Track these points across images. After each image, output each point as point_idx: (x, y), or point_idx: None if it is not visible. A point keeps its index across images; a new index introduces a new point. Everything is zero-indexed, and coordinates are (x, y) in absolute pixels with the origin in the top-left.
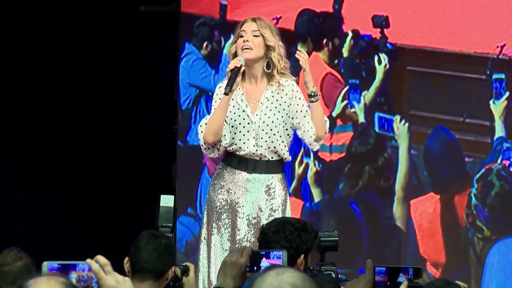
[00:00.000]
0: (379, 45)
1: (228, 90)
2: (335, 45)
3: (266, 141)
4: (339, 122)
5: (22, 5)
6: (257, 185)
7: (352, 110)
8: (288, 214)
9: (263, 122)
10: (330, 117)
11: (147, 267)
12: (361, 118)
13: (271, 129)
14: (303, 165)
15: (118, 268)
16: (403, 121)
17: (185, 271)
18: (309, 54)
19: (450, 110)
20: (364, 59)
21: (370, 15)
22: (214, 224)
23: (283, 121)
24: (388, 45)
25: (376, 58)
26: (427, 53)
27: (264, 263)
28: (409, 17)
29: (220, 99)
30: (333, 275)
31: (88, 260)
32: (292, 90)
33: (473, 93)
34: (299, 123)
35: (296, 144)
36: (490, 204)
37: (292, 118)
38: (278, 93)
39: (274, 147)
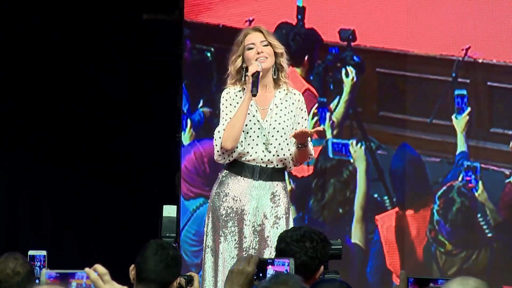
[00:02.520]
0: (346, 58)
1: (256, 92)
2: (310, 60)
3: (275, 147)
4: (314, 136)
5: (26, 17)
6: (263, 192)
7: (321, 127)
8: (292, 222)
9: (273, 128)
10: None
11: (153, 277)
12: (328, 135)
13: (281, 136)
14: None
15: (121, 273)
16: (359, 144)
17: (190, 281)
18: None
19: (417, 111)
20: (332, 73)
21: (334, 20)
22: (220, 232)
23: (290, 128)
24: (355, 58)
25: (343, 71)
26: (394, 55)
27: (270, 270)
28: (378, 18)
29: (230, 104)
30: None
31: (87, 269)
32: (299, 101)
33: (439, 94)
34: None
35: None
36: (452, 219)
37: (293, 128)
38: (286, 100)
39: (284, 154)
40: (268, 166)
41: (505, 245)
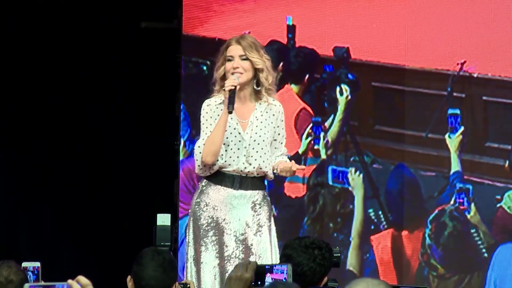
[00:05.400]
0: (341, 76)
1: (232, 109)
2: (309, 79)
3: (256, 160)
4: (310, 154)
5: (24, 23)
6: (243, 201)
7: (316, 147)
8: (274, 229)
9: (254, 140)
10: (296, 154)
11: (153, 284)
12: (323, 155)
13: (261, 148)
14: None
15: (119, 284)
16: (357, 172)
17: None
18: (279, 84)
19: (412, 126)
20: (326, 91)
21: (328, 37)
22: (201, 242)
23: (271, 140)
24: (349, 75)
25: (337, 89)
26: (390, 69)
27: (268, 278)
28: (374, 32)
29: (211, 117)
30: None
31: (69, 281)
32: (279, 112)
33: (435, 109)
34: (274, 146)
35: None
36: (444, 243)
37: (274, 139)
38: (267, 112)
39: (266, 167)
40: (248, 176)
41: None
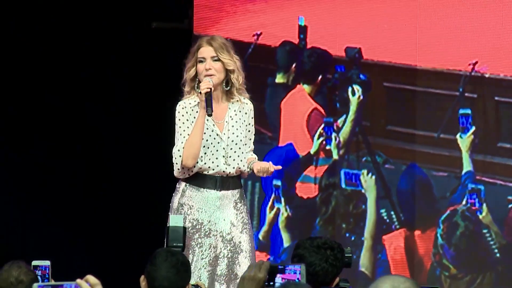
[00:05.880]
0: (353, 77)
1: (211, 112)
2: (322, 80)
3: (234, 160)
4: (321, 155)
5: (33, 24)
6: (226, 202)
7: (328, 147)
8: (251, 226)
9: (232, 141)
10: (308, 154)
11: (166, 284)
12: (335, 155)
13: (239, 148)
14: (274, 210)
15: (131, 284)
16: (370, 174)
17: None
18: (291, 84)
19: (424, 126)
20: (338, 91)
21: (340, 38)
22: (188, 245)
23: (245, 138)
24: (361, 76)
25: (349, 89)
26: (402, 69)
27: (278, 279)
28: (386, 32)
29: (187, 120)
30: None
31: (78, 280)
32: (250, 109)
33: (447, 109)
34: (243, 143)
35: (269, 189)
36: (456, 243)
37: (245, 136)
38: (240, 111)
39: (243, 165)
40: (228, 176)
41: (510, 268)
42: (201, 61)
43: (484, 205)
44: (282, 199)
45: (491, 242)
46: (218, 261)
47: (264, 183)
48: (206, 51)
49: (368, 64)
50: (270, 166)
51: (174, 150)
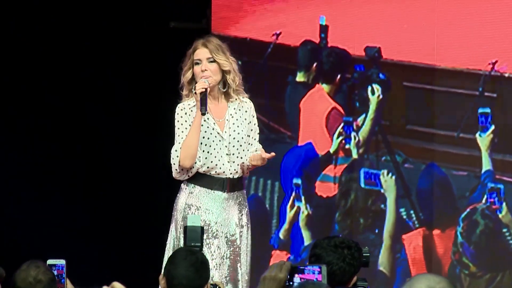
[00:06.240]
0: (372, 76)
1: (204, 110)
2: (341, 79)
3: (237, 157)
4: (341, 154)
5: (50, 23)
6: (231, 203)
7: (347, 146)
8: (250, 230)
9: (233, 138)
10: (328, 153)
11: (185, 283)
12: (354, 154)
13: (240, 145)
14: (295, 208)
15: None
16: (390, 174)
17: None
18: (311, 83)
19: (444, 125)
20: (358, 90)
21: (360, 37)
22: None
23: (247, 136)
24: (381, 75)
25: (369, 88)
26: (422, 69)
27: (296, 279)
28: (405, 32)
29: (185, 121)
30: None
31: (105, 287)
32: (250, 108)
33: (466, 109)
34: (248, 142)
35: (289, 188)
36: (476, 241)
37: (248, 135)
38: (239, 109)
39: (243, 163)
40: (234, 177)
41: None
42: (197, 63)
43: (504, 204)
44: (302, 198)
45: (511, 242)
46: (223, 263)
47: (283, 182)
48: (201, 53)
49: (387, 63)
50: (262, 153)
51: (172, 151)
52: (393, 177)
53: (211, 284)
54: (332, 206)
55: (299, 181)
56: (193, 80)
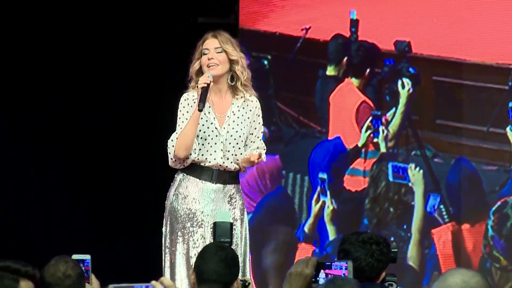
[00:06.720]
0: (402, 70)
1: (202, 107)
2: (370, 73)
3: (232, 154)
4: (371, 147)
5: (78, 20)
6: (220, 195)
7: (375, 140)
8: (246, 223)
9: (231, 135)
10: (356, 147)
11: (215, 278)
12: (382, 148)
13: (237, 143)
14: (320, 203)
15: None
16: (418, 168)
17: (247, 285)
18: (341, 77)
19: (473, 120)
20: (388, 84)
21: (389, 31)
22: (179, 233)
23: (246, 135)
24: (410, 69)
25: (399, 82)
26: (451, 63)
27: (322, 274)
28: (435, 26)
29: (187, 112)
30: (394, 286)
31: (153, 282)
32: (256, 107)
33: (496, 103)
34: (250, 140)
35: (316, 182)
36: (507, 235)
37: (251, 133)
38: (243, 107)
39: (238, 160)
40: (226, 170)
41: None
42: (204, 53)
43: None
44: (328, 192)
45: None
46: None
47: (312, 176)
48: (210, 43)
49: (416, 57)
50: (251, 156)
51: (169, 140)
52: (421, 171)
53: (241, 280)
54: (360, 200)
55: (324, 176)
56: (200, 72)
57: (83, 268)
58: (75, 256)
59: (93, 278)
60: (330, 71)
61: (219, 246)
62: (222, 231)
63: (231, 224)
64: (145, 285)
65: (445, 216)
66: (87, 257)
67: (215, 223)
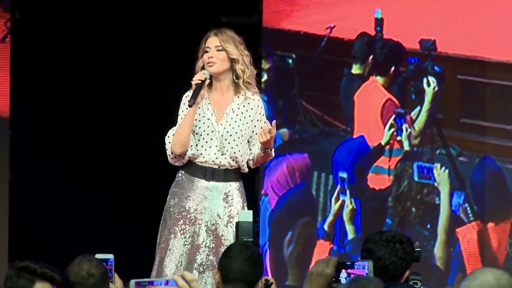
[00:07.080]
0: (427, 68)
1: (192, 103)
2: (395, 71)
3: (228, 151)
4: (396, 145)
5: (99, 19)
6: (215, 193)
7: (398, 138)
8: None
9: (227, 132)
10: (379, 145)
11: (240, 277)
12: (406, 146)
13: (234, 140)
14: (339, 202)
15: None
16: (443, 168)
17: (270, 285)
18: (366, 76)
19: (498, 119)
20: (413, 82)
21: (414, 30)
22: (171, 229)
23: (246, 133)
24: (435, 68)
25: (425, 80)
26: (476, 62)
27: (343, 274)
28: (460, 25)
29: (186, 109)
30: (419, 284)
31: (175, 277)
32: (258, 106)
33: None
34: (254, 139)
35: (337, 180)
36: None
37: (253, 131)
38: (244, 106)
39: (236, 158)
40: (220, 167)
41: None
42: (206, 51)
43: None
44: (347, 191)
45: None
46: (200, 250)
47: (335, 175)
48: (211, 41)
49: (441, 56)
50: (267, 124)
51: (166, 136)
52: (447, 171)
53: (265, 279)
54: (383, 198)
55: (344, 175)
56: (203, 69)
57: (106, 267)
58: (98, 256)
59: (116, 277)
60: (356, 69)
61: (244, 245)
62: (244, 231)
63: (253, 224)
64: (165, 279)
65: (470, 215)
66: (111, 256)
67: (237, 223)
